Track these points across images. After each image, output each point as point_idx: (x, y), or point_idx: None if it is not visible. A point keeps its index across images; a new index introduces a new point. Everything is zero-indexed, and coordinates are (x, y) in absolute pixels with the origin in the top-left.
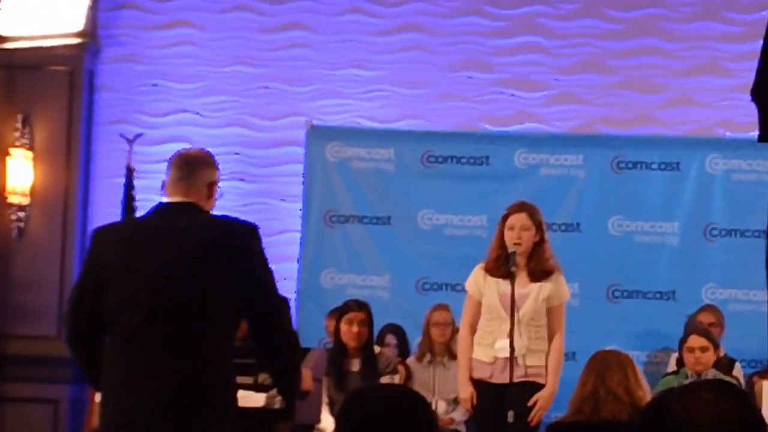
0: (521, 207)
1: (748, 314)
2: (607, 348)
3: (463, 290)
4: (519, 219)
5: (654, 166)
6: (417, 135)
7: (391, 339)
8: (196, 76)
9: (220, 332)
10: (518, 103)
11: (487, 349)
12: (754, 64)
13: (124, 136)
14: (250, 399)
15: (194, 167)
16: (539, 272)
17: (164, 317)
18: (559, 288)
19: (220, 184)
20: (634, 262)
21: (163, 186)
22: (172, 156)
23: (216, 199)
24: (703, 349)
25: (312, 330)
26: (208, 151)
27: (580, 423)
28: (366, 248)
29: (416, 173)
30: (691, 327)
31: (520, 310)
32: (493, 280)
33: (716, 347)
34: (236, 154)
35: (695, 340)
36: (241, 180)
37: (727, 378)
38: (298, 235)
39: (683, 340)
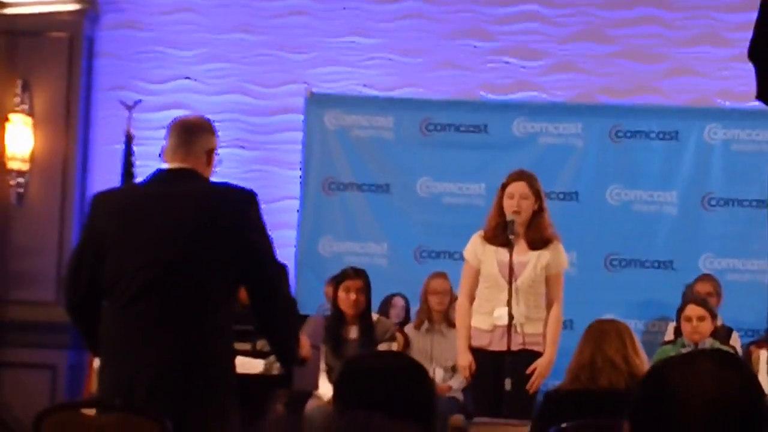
0: (520, 175)
1: (745, 284)
2: (605, 317)
3: (461, 258)
4: (518, 187)
5: (652, 135)
6: (416, 103)
7: (398, 301)
8: (195, 42)
9: (218, 299)
10: (517, 71)
11: (486, 317)
12: None
13: (123, 102)
14: (248, 365)
15: (193, 134)
16: (538, 241)
17: (162, 284)
18: (557, 256)
19: (219, 151)
20: (632, 232)
21: (161, 152)
22: (171, 123)
23: (215, 166)
24: (701, 319)
25: (310, 297)
26: (207, 118)
27: (577, 391)
28: (364, 216)
29: (415, 141)
30: (689, 296)
31: (519, 279)
32: (491, 249)
33: (714, 317)
34: (236, 121)
35: (693, 310)
36: (241, 147)
37: (724, 347)
38: (297, 203)
39: (681, 310)
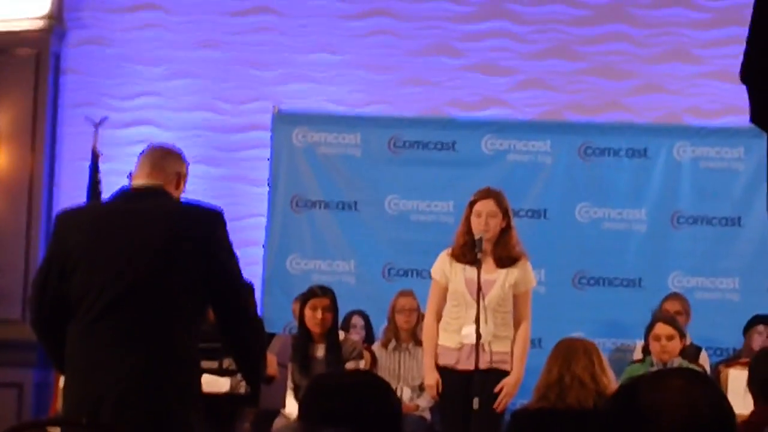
0: (488, 193)
1: (714, 302)
2: (573, 335)
3: (429, 276)
4: (486, 205)
5: (621, 153)
6: (384, 120)
7: (357, 320)
8: (162, 59)
9: (184, 317)
10: (486, 88)
11: (453, 335)
12: (723, 51)
13: (90, 119)
14: (214, 384)
15: (164, 156)
16: (506, 259)
17: (128, 302)
18: (525, 275)
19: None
20: (600, 250)
21: (130, 175)
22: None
23: (183, 192)
24: (670, 338)
25: (277, 315)
26: (179, 149)
27: (545, 409)
28: (332, 234)
29: (383, 159)
30: (658, 315)
31: (486, 297)
32: (459, 266)
33: (682, 336)
34: (203, 137)
35: (661, 328)
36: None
37: (693, 366)
38: (264, 220)
39: (649, 328)
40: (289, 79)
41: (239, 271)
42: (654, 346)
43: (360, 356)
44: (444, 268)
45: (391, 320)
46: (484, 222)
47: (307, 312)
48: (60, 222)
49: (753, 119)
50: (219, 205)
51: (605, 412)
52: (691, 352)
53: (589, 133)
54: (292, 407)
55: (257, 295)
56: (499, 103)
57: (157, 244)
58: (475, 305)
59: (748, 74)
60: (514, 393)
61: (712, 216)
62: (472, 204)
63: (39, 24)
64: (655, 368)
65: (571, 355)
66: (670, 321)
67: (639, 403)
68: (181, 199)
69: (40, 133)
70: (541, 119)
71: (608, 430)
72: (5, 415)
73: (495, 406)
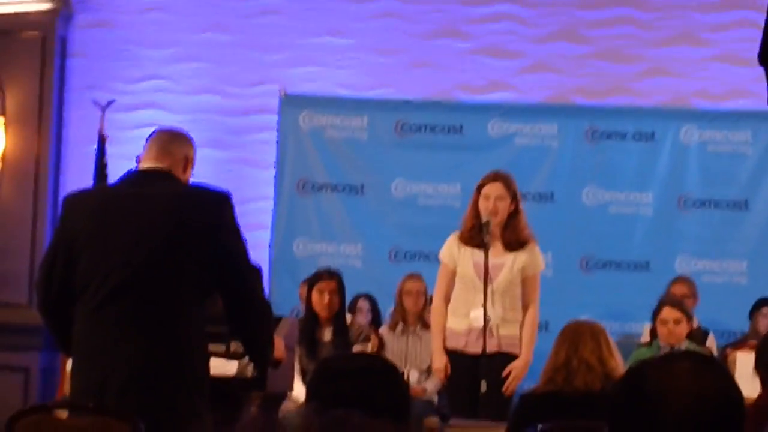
0: (496, 176)
1: (721, 285)
2: (581, 318)
3: (436, 260)
4: (494, 188)
5: (628, 136)
6: (390, 104)
7: (363, 304)
8: (169, 42)
9: (191, 300)
10: (492, 72)
11: (461, 318)
12: (730, 34)
13: (96, 102)
14: (222, 367)
15: (172, 139)
16: (514, 242)
17: (135, 286)
18: (533, 258)
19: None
20: (607, 233)
21: (137, 159)
22: (151, 132)
23: (191, 176)
24: (677, 322)
25: (284, 299)
26: (187, 133)
27: (552, 392)
28: (339, 217)
29: (390, 142)
30: (664, 299)
31: (495, 280)
32: (467, 250)
33: (689, 319)
34: (210, 121)
35: (669, 312)
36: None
37: (700, 349)
38: (271, 204)
39: (656, 312)
40: (295, 62)
41: (247, 254)
42: (661, 330)
43: (367, 339)
44: (452, 251)
45: (399, 303)
46: (493, 205)
47: (314, 295)
48: (67, 206)
49: None
50: (226, 189)
51: (612, 396)
52: (698, 336)
53: (596, 116)
54: (299, 391)
55: (264, 278)
56: (506, 86)
57: (164, 227)
58: (483, 289)
59: (765, 57)
60: (522, 376)
61: (720, 199)
62: (480, 187)
63: (45, 7)
64: (662, 352)
65: (578, 338)
66: (677, 304)
67: (646, 387)
68: (189, 183)
69: (47, 116)
70: (547, 103)
71: (615, 414)
72: (12, 399)
73: (503, 389)
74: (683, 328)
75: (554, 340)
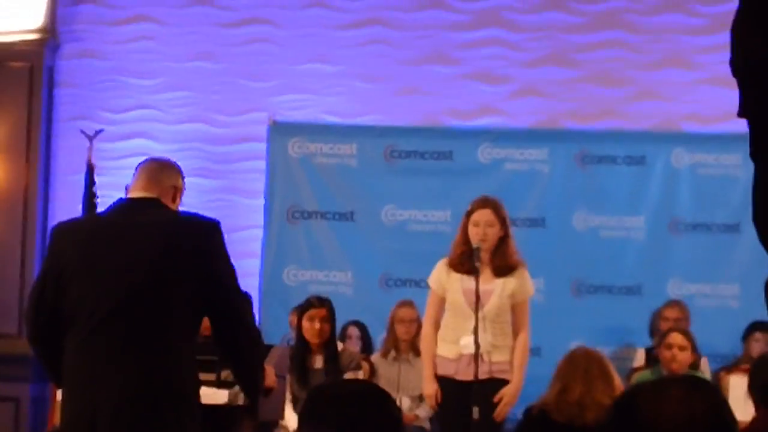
0: (485, 203)
1: (713, 309)
2: (574, 344)
3: (427, 286)
4: (484, 215)
5: (619, 160)
6: (380, 130)
7: (353, 331)
8: (156, 71)
9: (181, 329)
10: (482, 97)
11: (452, 345)
12: (720, 57)
13: (84, 132)
14: (212, 396)
15: (161, 169)
16: (504, 268)
17: (125, 315)
18: (523, 284)
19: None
20: (599, 257)
21: (127, 187)
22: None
23: (179, 205)
24: (682, 348)
25: (275, 327)
26: (176, 163)
27: (564, 424)
28: (329, 244)
29: (379, 168)
30: (673, 325)
31: (485, 307)
32: (456, 276)
33: (694, 350)
34: (198, 150)
35: (676, 338)
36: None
37: (698, 374)
38: (261, 232)
39: (662, 336)
40: (284, 89)
41: (236, 281)
42: (665, 354)
43: (358, 367)
44: (441, 277)
45: (391, 330)
46: (482, 231)
47: (305, 323)
48: (55, 235)
49: (741, 113)
50: (215, 217)
51: (605, 424)
52: (696, 363)
53: (586, 140)
54: (290, 418)
55: (254, 306)
56: (496, 111)
57: (153, 256)
58: (473, 315)
59: (737, 67)
60: (513, 402)
61: (711, 223)
62: (469, 213)
63: (32, 37)
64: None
65: (590, 380)
66: (686, 333)
67: (637, 413)
68: (178, 211)
69: (35, 146)
70: (537, 127)
71: None
72: (2, 429)
73: (495, 415)
74: (687, 357)
75: (559, 367)
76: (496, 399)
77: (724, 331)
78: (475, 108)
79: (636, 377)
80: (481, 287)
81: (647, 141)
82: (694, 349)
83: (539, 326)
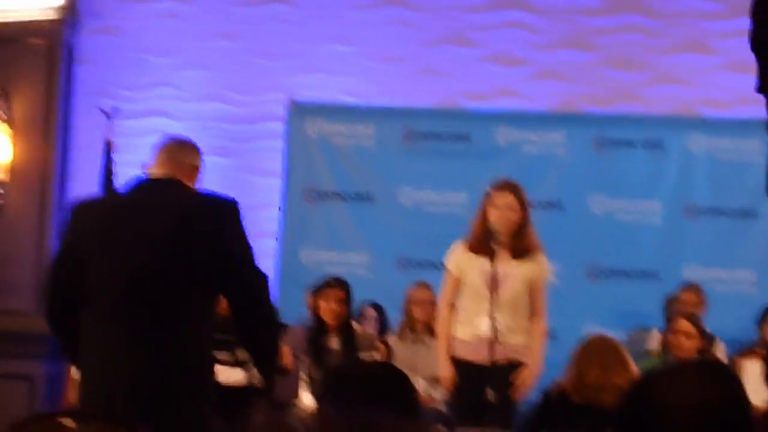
0: (507, 186)
1: (729, 294)
2: (596, 333)
3: (443, 267)
4: (504, 198)
5: (636, 144)
6: (398, 112)
7: (370, 312)
8: (176, 49)
9: (198, 308)
10: (500, 79)
11: (468, 327)
12: (738, 42)
13: (103, 109)
14: (228, 375)
15: (179, 147)
16: (521, 251)
17: (142, 294)
18: (540, 267)
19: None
20: (615, 241)
21: (145, 167)
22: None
23: (198, 184)
24: (688, 336)
25: (291, 307)
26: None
27: (583, 405)
28: (346, 225)
29: (397, 150)
30: (676, 310)
31: (502, 289)
32: (474, 258)
33: (702, 336)
34: (216, 128)
35: (683, 325)
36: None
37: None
38: (278, 212)
39: (672, 321)
40: (303, 70)
41: (254, 261)
42: (672, 340)
43: (374, 348)
44: (458, 259)
45: (408, 312)
46: (502, 214)
47: (321, 303)
48: (75, 213)
49: (760, 89)
50: (232, 196)
51: (619, 409)
52: (706, 341)
53: (603, 124)
54: (305, 398)
55: (271, 286)
56: (513, 94)
57: (172, 234)
58: (490, 297)
59: (757, 43)
60: (530, 385)
61: (727, 208)
62: (489, 195)
63: (52, 14)
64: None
65: (607, 364)
66: (693, 320)
67: (652, 399)
68: (197, 190)
69: (54, 123)
70: (555, 110)
71: (622, 426)
72: (16, 407)
73: (513, 397)
74: (694, 344)
75: (577, 352)
76: (514, 380)
77: (740, 316)
78: (492, 90)
79: (644, 363)
80: (499, 270)
81: (664, 125)
82: (703, 336)
83: (554, 310)
